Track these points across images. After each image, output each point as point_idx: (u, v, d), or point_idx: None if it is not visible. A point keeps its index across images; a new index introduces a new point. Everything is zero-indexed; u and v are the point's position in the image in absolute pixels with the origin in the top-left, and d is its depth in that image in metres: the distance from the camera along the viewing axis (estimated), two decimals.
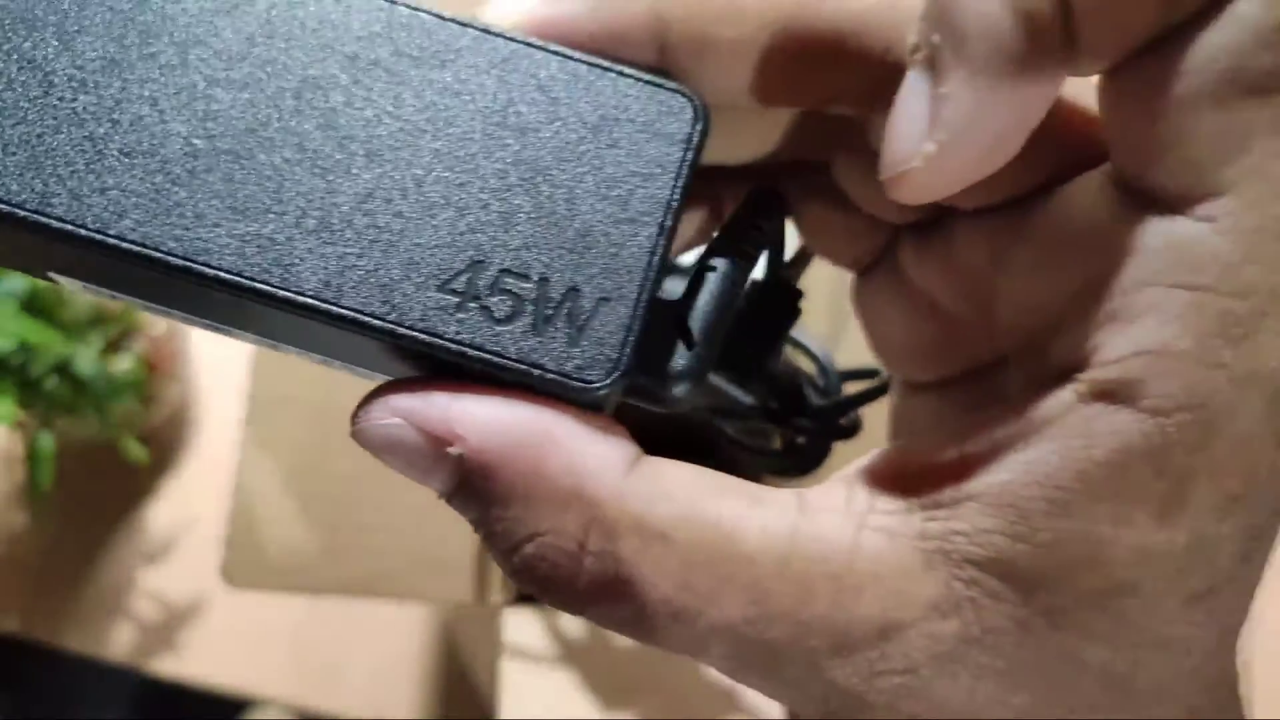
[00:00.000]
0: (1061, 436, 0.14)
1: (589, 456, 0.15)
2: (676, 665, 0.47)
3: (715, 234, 0.18)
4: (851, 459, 0.17)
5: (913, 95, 0.13)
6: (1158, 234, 0.13)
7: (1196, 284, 0.13)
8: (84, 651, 0.72)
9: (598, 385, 0.15)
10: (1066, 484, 0.13)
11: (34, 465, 0.63)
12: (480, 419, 0.14)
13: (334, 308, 0.14)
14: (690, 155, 0.15)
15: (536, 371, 0.15)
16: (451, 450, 0.14)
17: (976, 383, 0.19)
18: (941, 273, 0.19)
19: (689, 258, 0.22)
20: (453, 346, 0.14)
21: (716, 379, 0.22)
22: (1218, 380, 0.13)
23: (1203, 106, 0.13)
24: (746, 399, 0.25)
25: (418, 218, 0.15)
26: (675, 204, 0.15)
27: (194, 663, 0.72)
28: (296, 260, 0.14)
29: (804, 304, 0.22)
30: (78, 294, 0.16)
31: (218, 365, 0.78)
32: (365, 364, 0.16)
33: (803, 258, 0.23)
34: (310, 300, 0.14)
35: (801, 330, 0.27)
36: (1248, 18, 0.12)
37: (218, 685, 0.71)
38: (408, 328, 0.14)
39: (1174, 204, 0.13)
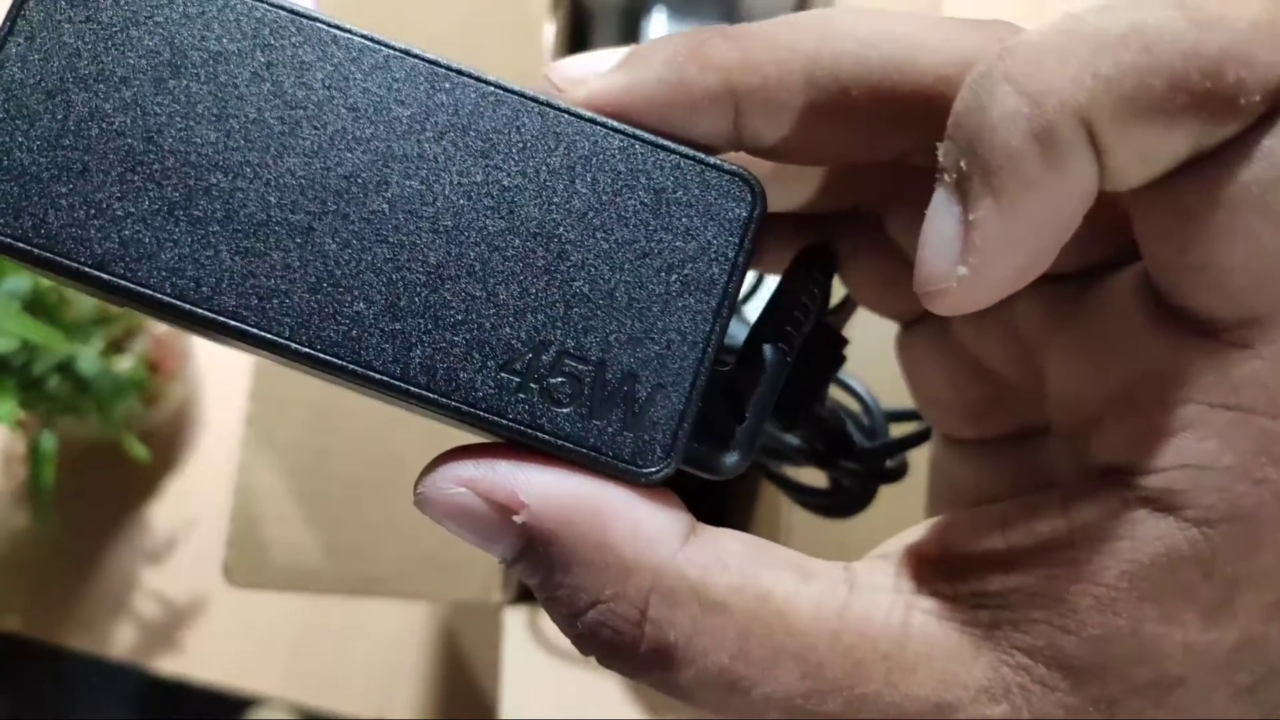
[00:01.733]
0: (1107, 538, 0.14)
1: (648, 526, 0.15)
2: None
3: (769, 301, 0.18)
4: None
5: (943, 216, 0.14)
6: (1197, 353, 0.14)
7: (1237, 405, 0.13)
8: (85, 650, 0.72)
9: (651, 470, 0.15)
10: (1112, 583, 0.14)
11: (36, 464, 0.63)
12: (543, 488, 0.15)
13: (399, 383, 0.15)
14: (747, 242, 0.15)
15: (593, 454, 0.15)
16: (516, 518, 0.15)
17: (1019, 447, 0.20)
18: (997, 337, 0.19)
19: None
20: (513, 426, 0.15)
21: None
22: (1262, 494, 0.13)
23: (1235, 236, 0.13)
24: (793, 441, 0.25)
25: (482, 298, 0.15)
26: (731, 291, 0.15)
27: (196, 662, 0.72)
28: (366, 337, 0.15)
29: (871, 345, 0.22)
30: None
31: (221, 365, 0.78)
32: (432, 419, 0.17)
33: (848, 305, 0.22)
34: (376, 376, 0.15)
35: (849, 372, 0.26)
36: (1278, 152, 0.13)
37: (219, 684, 0.71)
38: (471, 406, 0.15)
39: (1209, 325, 0.14)
